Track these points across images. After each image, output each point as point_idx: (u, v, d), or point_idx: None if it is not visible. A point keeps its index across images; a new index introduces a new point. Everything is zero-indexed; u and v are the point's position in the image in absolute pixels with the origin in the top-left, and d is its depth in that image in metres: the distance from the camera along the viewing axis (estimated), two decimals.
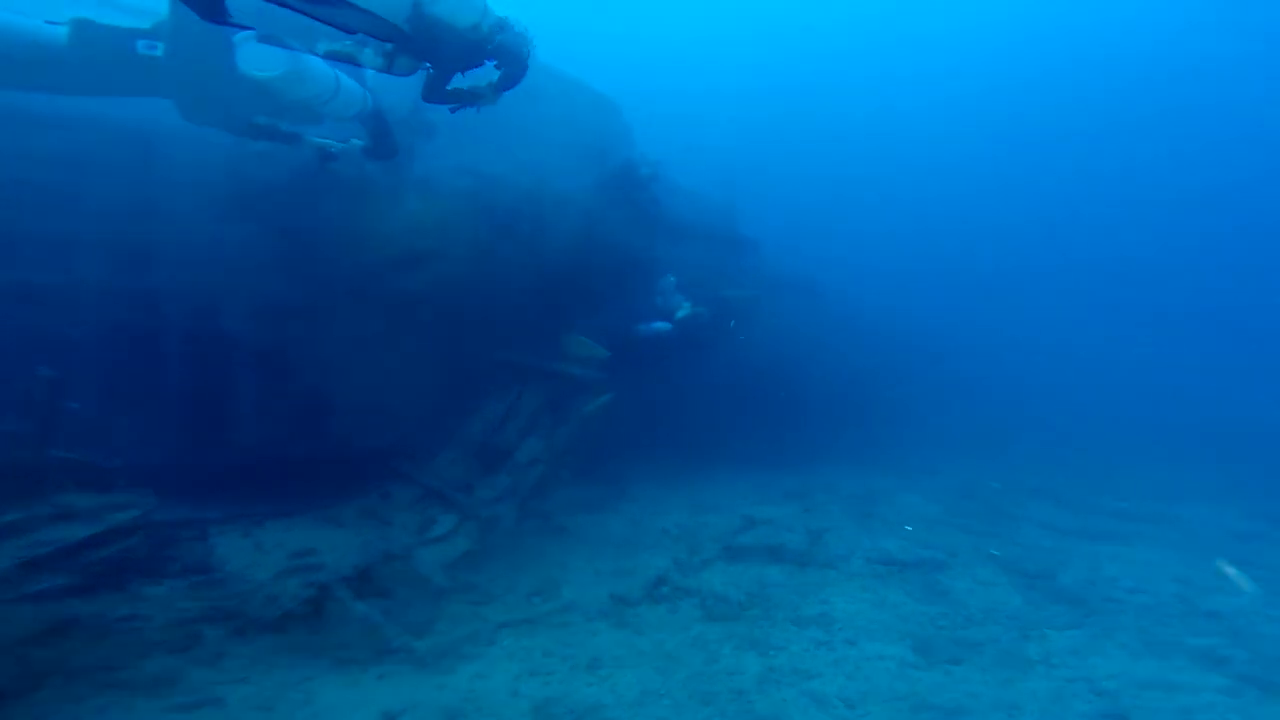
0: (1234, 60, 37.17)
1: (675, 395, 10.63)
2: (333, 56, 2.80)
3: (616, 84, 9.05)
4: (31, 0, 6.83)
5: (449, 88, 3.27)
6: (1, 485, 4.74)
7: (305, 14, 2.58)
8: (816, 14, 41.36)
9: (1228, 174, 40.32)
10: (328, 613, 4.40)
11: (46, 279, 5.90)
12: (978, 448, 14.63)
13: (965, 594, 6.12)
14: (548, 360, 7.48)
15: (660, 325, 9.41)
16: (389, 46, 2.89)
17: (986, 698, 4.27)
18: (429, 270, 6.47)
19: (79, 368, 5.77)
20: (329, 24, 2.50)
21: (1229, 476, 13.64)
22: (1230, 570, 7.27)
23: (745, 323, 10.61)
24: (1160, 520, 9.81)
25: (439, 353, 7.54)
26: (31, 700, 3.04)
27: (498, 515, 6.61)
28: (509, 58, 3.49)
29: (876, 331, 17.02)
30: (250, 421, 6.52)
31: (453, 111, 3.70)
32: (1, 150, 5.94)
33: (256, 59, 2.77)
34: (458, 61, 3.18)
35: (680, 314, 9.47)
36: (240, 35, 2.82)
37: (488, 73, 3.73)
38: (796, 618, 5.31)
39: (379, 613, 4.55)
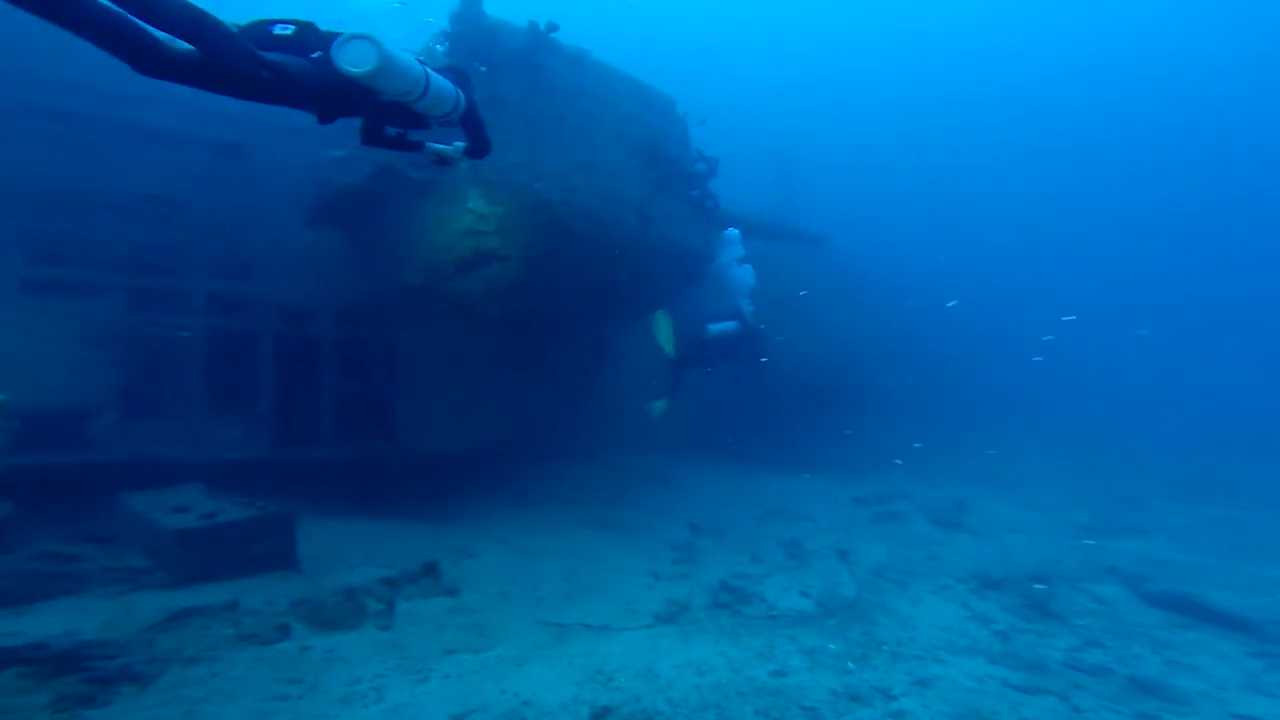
0: None
1: (735, 395, 10.31)
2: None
3: (668, 81, 8.99)
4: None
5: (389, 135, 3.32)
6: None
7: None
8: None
9: None
10: (398, 611, 4.44)
11: (160, 284, 6.45)
12: (1064, 451, 13.24)
13: (1079, 612, 5.41)
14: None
15: (728, 325, 9.18)
16: None
17: None
18: (489, 271, 6.53)
19: (191, 368, 6.28)
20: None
21: None
22: None
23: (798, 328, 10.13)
24: None
25: (503, 358, 7.63)
26: (159, 685, 3.20)
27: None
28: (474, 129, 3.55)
29: (941, 332, 16.01)
30: (330, 421, 6.80)
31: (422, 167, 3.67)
32: (123, 164, 6.62)
33: (351, 55, 2.80)
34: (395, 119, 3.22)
35: (744, 315, 9.27)
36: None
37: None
38: (874, 632, 4.83)
39: (445, 612, 4.51)
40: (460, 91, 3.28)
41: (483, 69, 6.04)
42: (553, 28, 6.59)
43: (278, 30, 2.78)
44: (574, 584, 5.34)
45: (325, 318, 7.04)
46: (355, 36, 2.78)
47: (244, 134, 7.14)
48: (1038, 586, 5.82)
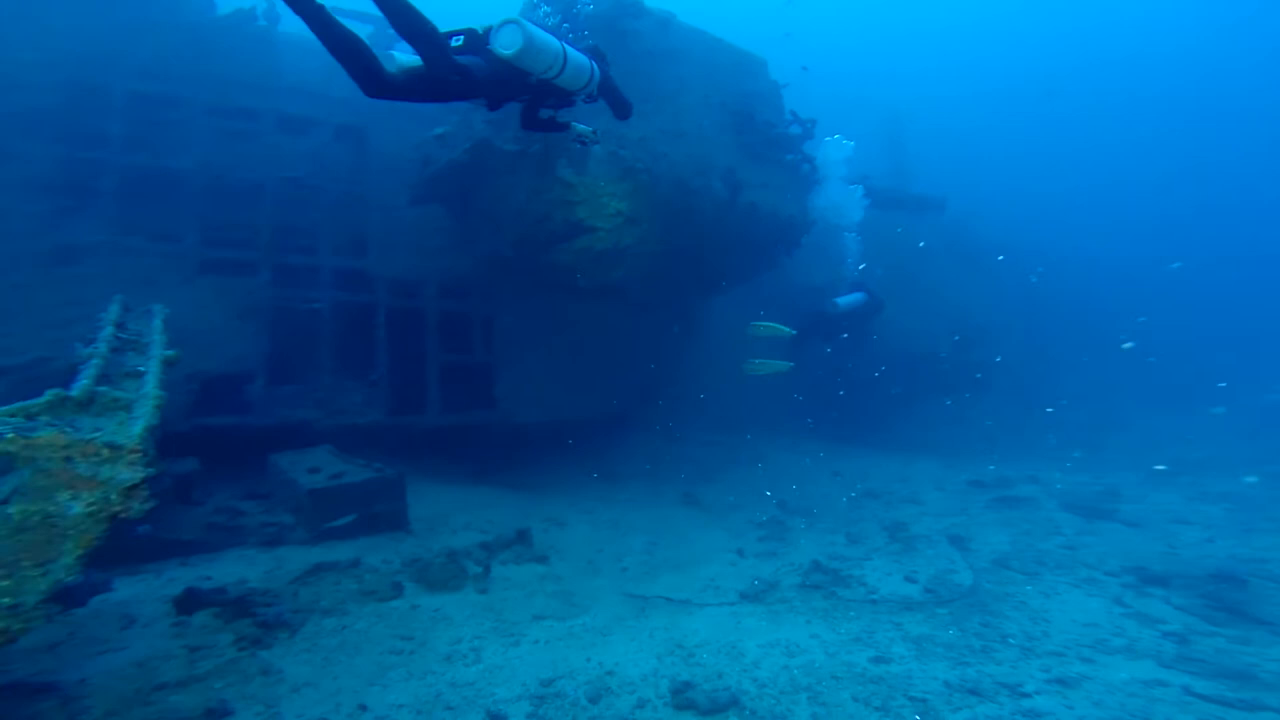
0: None
1: (832, 370, 9.71)
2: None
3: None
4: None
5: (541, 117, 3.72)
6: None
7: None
8: None
9: None
10: (494, 575, 4.71)
11: (297, 261, 7.15)
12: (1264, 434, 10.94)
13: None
14: None
15: (855, 296, 8.70)
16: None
17: None
18: (578, 243, 6.59)
19: (320, 338, 7.02)
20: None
21: None
22: None
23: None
24: None
25: (594, 331, 7.75)
26: (303, 632, 3.67)
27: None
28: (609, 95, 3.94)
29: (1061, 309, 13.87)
30: (435, 391, 7.29)
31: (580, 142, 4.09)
32: (266, 151, 7.40)
33: (502, 39, 3.23)
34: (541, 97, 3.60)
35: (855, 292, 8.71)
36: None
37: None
38: (997, 624, 4.32)
39: (536, 579, 4.69)
40: (594, 64, 3.64)
41: (566, 27, 6.04)
42: None
43: (454, 42, 3.32)
44: (657, 558, 5.35)
45: (430, 291, 7.49)
46: (505, 22, 3.23)
47: (361, 117, 7.70)
48: (1224, 585, 4.87)
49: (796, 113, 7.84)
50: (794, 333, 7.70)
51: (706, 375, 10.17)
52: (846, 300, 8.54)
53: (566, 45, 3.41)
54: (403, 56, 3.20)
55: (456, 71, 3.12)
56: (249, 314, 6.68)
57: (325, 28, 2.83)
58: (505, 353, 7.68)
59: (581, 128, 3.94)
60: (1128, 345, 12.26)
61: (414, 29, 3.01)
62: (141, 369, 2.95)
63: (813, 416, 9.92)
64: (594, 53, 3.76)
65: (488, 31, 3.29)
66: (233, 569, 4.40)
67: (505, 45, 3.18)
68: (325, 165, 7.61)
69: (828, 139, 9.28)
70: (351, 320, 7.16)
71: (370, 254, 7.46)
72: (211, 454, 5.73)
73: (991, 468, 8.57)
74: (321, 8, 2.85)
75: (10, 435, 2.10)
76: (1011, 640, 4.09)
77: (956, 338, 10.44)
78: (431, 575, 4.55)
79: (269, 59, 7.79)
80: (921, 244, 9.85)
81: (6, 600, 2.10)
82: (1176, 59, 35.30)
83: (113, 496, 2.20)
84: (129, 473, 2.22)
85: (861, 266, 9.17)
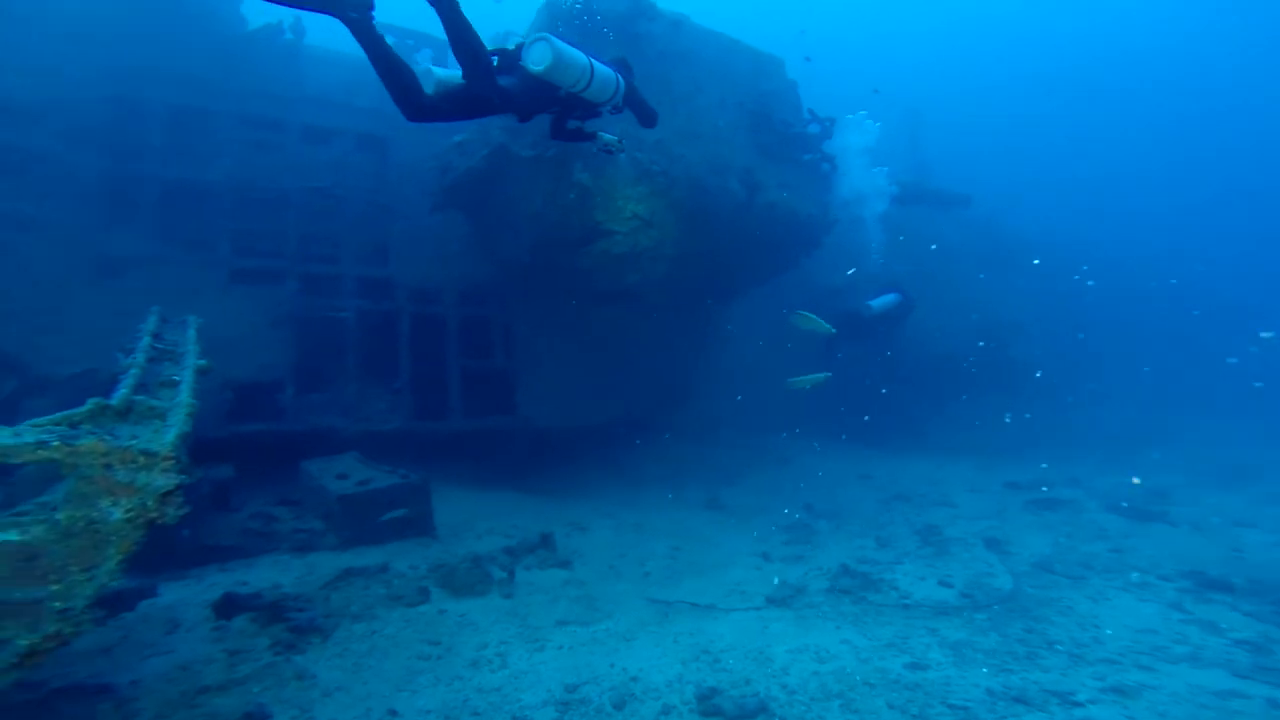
0: None
1: (859, 372, 9.50)
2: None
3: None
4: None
5: (569, 128, 3.94)
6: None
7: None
8: None
9: None
10: (518, 580, 4.72)
11: (322, 270, 7.29)
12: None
13: None
14: None
15: (889, 298, 8.43)
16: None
17: None
18: (596, 246, 6.60)
19: (346, 346, 7.16)
20: None
21: None
22: None
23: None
24: None
25: (615, 335, 7.74)
26: (335, 637, 3.75)
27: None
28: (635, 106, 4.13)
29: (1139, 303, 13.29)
30: (457, 396, 7.37)
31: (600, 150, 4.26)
32: (292, 161, 7.51)
33: (532, 56, 3.43)
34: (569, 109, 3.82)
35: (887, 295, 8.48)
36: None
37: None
38: (1042, 630, 4.13)
39: (560, 584, 4.68)
40: (620, 76, 3.78)
41: (587, 21, 6.09)
42: None
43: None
44: (680, 562, 5.28)
45: (450, 298, 7.58)
46: (536, 39, 3.41)
47: (383, 127, 7.88)
48: None
49: (815, 111, 7.74)
50: (833, 331, 7.58)
51: (730, 377, 10.07)
52: (880, 302, 8.29)
53: (593, 59, 3.59)
54: (439, 71, 3.38)
55: (499, 91, 3.36)
56: (278, 323, 6.86)
57: (383, 58, 3.06)
58: (526, 358, 7.73)
59: (608, 136, 4.12)
60: (1268, 335, 11.50)
61: (473, 52, 3.22)
62: (176, 378, 3.04)
63: (841, 419, 9.71)
64: (619, 65, 3.92)
65: (519, 49, 3.52)
66: (267, 574, 4.50)
67: (536, 61, 3.38)
68: (348, 174, 7.81)
69: (849, 116, 9.05)
70: (375, 328, 7.30)
71: (392, 262, 7.61)
72: (246, 460, 5.87)
73: (1031, 469, 8.27)
74: (383, 39, 3.07)
75: (56, 443, 2.18)
76: (1059, 647, 3.90)
77: (981, 344, 10.10)
78: (457, 580, 4.58)
79: (295, 71, 8.07)
80: (933, 246, 9.57)
81: (58, 604, 2.17)
82: (1210, 40, 33.73)
83: (149, 503, 2.26)
84: (163, 479, 2.28)
85: (880, 261, 8.94)
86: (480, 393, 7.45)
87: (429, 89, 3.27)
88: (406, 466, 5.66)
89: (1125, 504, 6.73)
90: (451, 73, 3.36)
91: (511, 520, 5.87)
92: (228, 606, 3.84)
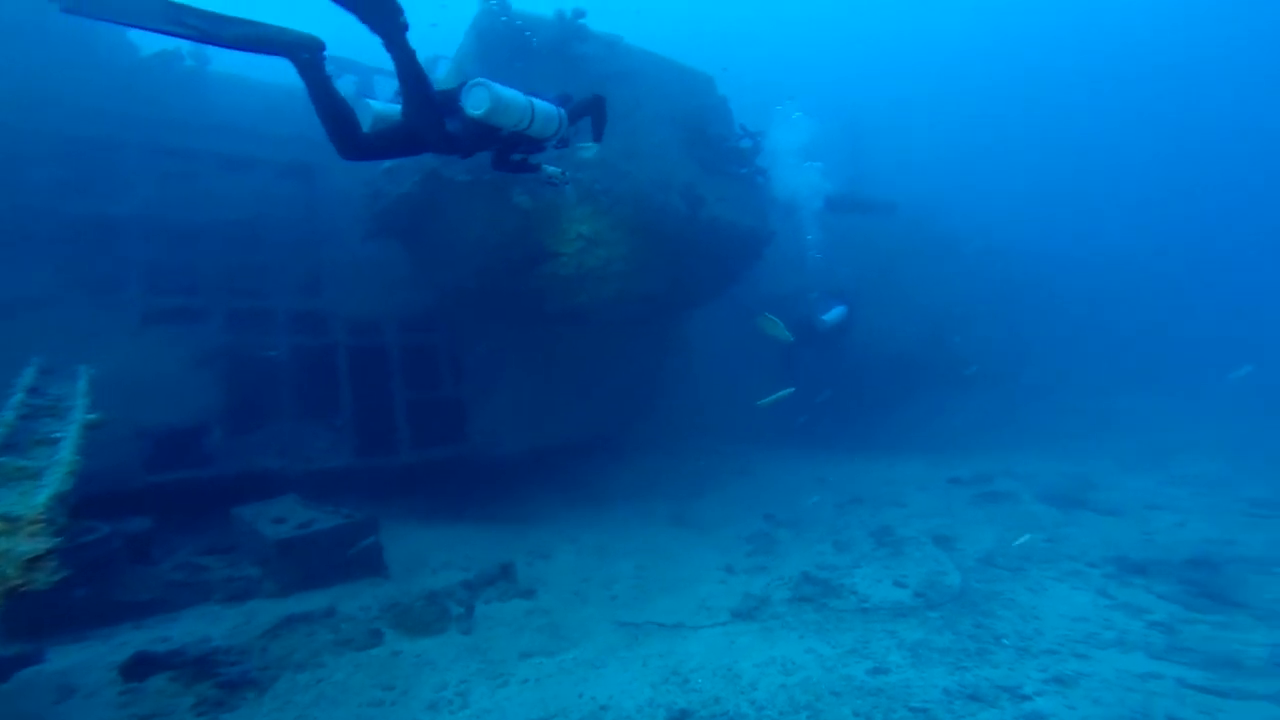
0: None
1: (814, 377, 9.78)
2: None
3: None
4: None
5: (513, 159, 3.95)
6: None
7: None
8: None
9: None
10: (478, 614, 4.53)
11: (250, 305, 6.90)
12: (1227, 417, 11.32)
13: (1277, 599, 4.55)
14: None
15: (839, 310, 8.82)
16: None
17: None
18: (543, 269, 6.53)
19: (280, 383, 6.78)
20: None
21: None
22: None
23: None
24: None
25: (569, 355, 7.64)
26: (274, 690, 3.47)
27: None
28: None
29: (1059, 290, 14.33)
30: (404, 429, 7.09)
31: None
32: (214, 192, 7.13)
33: (472, 100, 3.38)
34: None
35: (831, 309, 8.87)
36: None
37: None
38: (990, 625, 4.31)
39: (522, 614, 4.53)
40: (562, 111, 3.80)
41: (517, 65, 6.08)
42: (579, 14, 6.47)
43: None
44: (647, 582, 5.22)
45: (392, 328, 7.33)
46: (473, 84, 3.39)
47: (309, 155, 7.55)
48: (1200, 570, 4.97)
49: (745, 126, 7.96)
50: (792, 339, 7.89)
51: (691, 387, 10.16)
52: (832, 316, 8.73)
53: (533, 98, 3.61)
54: (377, 105, 3.32)
55: (443, 132, 3.34)
56: (202, 362, 6.45)
57: (326, 98, 3.00)
58: (477, 384, 7.54)
59: (551, 169, 4.14)
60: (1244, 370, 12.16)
61: (421, 95, 3.16)
62: (57, 435, 2.79)
63: (798, 423, 9.97)
64: (562, 99, 3.96)
65: (460, 89, 3.49)
66: (195, 627, 4.16)
67: (475, 106, 3.36)
68: (273, 204, 7.45)
69: (777, 108, 9.35)
70: (311, 362, 6.98)
71: (326, 293, 7.29)
72: (171, 510, 5.46)
73: (976, 463, 8.69)
74: (330, 80, 3.01)
75: None
76: (1005, 641, 4.08)
77: (925, 341, 10.56)
78: (412, 619, 4.36)
79: (201, 99, 7.65)
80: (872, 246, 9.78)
81: None
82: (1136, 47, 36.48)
83: (9, 570, 2.05)
84: (29, 544, 2.07)
85: (819, 258, 9.23)
86: (430, 423, 7.22)
87: (366, 125, 3.23)
88: (354, 505, 5.39)
89: (1057, 493, 7.18)
90: (390, 107, 3.32)
91: (468, 552, 5.65)
92: (140, 666, 3.49)
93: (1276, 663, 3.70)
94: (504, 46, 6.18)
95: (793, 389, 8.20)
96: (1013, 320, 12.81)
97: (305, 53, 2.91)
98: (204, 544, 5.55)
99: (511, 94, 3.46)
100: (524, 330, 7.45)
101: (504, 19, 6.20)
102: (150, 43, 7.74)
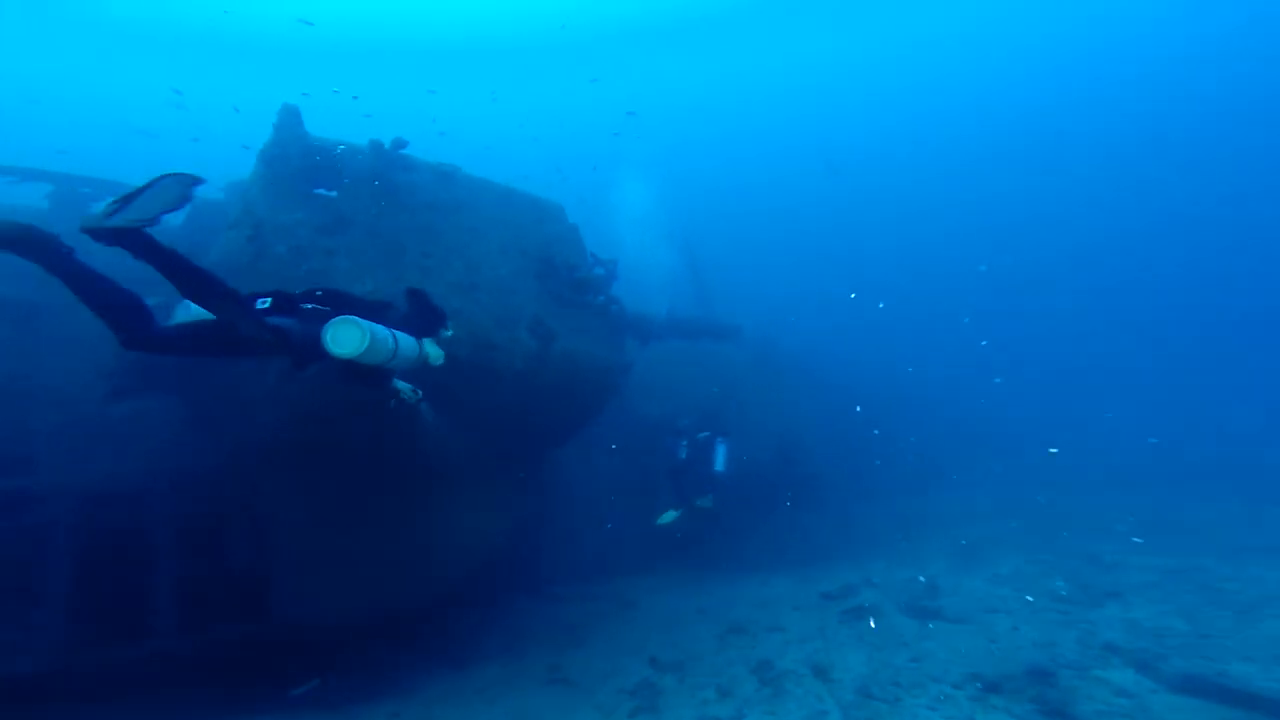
0: None
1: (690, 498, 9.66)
2: None
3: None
4: None
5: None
6: None
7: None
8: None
9: None
10: None
11: None
12: (1008, 507, 12.89)
13: (1108, 713, 4.72)
14: None
15: (723, 447, 9.54)
16: None
17: None
18: (370, 418, 5.70)
19: None
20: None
21: None
22: None
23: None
24: None
25: (415, 505, 6.62)
26: None
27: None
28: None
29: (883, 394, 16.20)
30: (170, 606, 5.55)
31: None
32: None
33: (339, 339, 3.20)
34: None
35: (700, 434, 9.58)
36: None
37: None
38: None
39: None
40: (420, 339, 3.72)
41: (333, 194, 5.63)
42: (400, 144, 6.23)
43: (261, 304, 3.24)
44: None
45: (157, 495, 5.89)
46: (341, 321, 3.15)
47: (25, 289, 5.93)
48: (1040, 684, 5.15)
49: (597, 254, 8.07)
50: (677, 514, 8.56)
51: (568, 522, 9.44)
52: (722, 458, 9.43)
53: (395, 332, 3.45)
54: (186, 313, 3.00)
55: (270, 332, 3.03)
56: None
57: (95, 292, 2.65)
58: (289, 548, 6.17)
59: (403, 385, 3.92)
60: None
61: (209, 291, 2.80)
62: None
63: (678, 545, 9.80)
64: (381, 307, 3.80)
65: (304, 296, 3.30)
66: None
67: (342, 346, 3.14)
68: None
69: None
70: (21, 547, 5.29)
71: (43, 465, 5.72)
72: None
73: (839, 574, 8.78)
74: (91, 270, 2.66)
75: None
76: None
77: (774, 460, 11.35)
78: None
79: None
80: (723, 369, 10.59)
81: None
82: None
83: None
84: None
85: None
86: (211, 600, 5.71)
87: (166, 319, 2.92)
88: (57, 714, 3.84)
89: (912, 603, 7.40)
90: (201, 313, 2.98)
91: None
92: None
93: None
94: (294, 163, 5.71)
95: (684, 509, 8.28)
96: (845, 432, 14.03)
97: (34, 249, 2.54)
98: None
99: (383, 335, 3.25)
100: (352, 481, 6.36)
101: (299, 138, 5.75)
102: None
